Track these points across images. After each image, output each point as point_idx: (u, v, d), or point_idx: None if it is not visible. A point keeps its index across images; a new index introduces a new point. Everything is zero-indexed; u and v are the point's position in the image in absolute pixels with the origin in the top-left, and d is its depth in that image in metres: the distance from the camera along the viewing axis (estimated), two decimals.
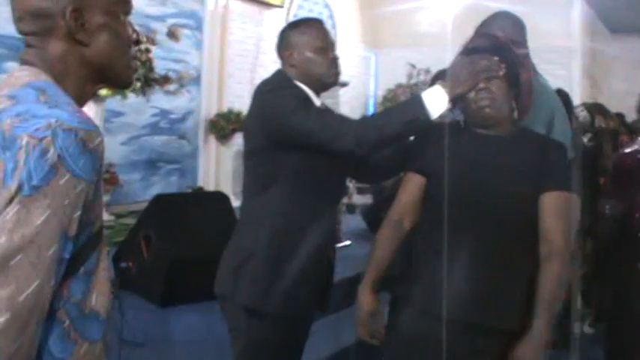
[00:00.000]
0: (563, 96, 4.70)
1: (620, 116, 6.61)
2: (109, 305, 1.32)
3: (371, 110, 10.38)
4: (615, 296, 3.68)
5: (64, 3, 1.29)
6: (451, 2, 8.44)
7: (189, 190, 6.62)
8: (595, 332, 5.09)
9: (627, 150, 3.97)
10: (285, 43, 2.82)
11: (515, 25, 3.28)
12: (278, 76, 2.80)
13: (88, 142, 1.19)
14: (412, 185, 2.50)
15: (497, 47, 2.45)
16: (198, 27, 7.26)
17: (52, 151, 1.14)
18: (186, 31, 7.11)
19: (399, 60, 10.02)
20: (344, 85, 9.02)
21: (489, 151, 2.40)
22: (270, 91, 2.72)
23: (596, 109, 6.58)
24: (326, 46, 2.80)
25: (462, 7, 8.61)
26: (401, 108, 2.62)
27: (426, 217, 2.41)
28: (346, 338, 4.10)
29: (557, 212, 2.34)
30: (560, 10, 9.44)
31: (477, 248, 2.30)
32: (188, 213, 4.40)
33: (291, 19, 8.46)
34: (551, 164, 2.41)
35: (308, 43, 2.78)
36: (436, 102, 2.46)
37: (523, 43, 3.07)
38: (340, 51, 7.76)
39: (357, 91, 9.87)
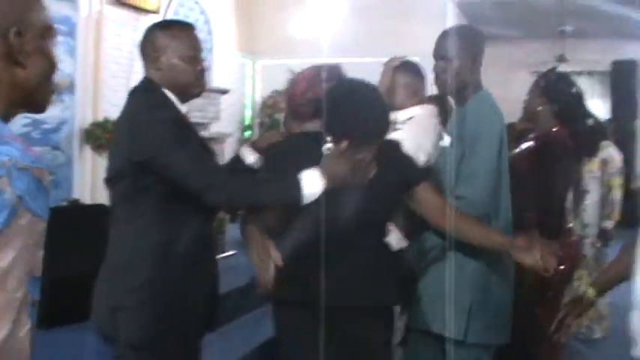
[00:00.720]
0: (441, 101, 4.81)
1: None
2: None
3: (247, 117, 10.34)
4: None
5: (8, 23, 1.28)
6: (327, 11, 8.49)
7: (65, 203, 6.39)
8: None
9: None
10: (153, 44, 2.71)
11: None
12: (147, 85, 2.71)
13: (42, 180, 1.20)
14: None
15: None
16: (71, 33, 7.03)
17: (9, 191, 1.12)
18: (59, 38, 6.87)
19: (277, 68, 10.02)
20: (224, 92, 8.94)
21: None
22: (142, 113, 2.59)
23: None
24: (196, 55, 2.73)
25: (340, 17, 8.70)
26: (279, 185, 2.61)
27: (298, 225, 2.64)
28: (239, 349, 4.04)
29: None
30: (435, 18, 9.65)
31: (351, 246, 2.72)
32: (63, 230, 4.23)
33: None
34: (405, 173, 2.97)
35: (178, 49, 2.68)
36: (312, 189, 2.53)
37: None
38: (217, 58, 7.70)
39: (235, 98, 9.81)
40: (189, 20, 8.69)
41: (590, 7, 10.27)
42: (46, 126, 6.78)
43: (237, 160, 3.14)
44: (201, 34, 8.78)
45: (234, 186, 2.56)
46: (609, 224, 5.83)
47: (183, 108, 2.74)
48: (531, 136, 3.97)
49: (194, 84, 2.74)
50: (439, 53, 3.46)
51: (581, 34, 11.52)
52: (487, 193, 3.28)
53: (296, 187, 2.50)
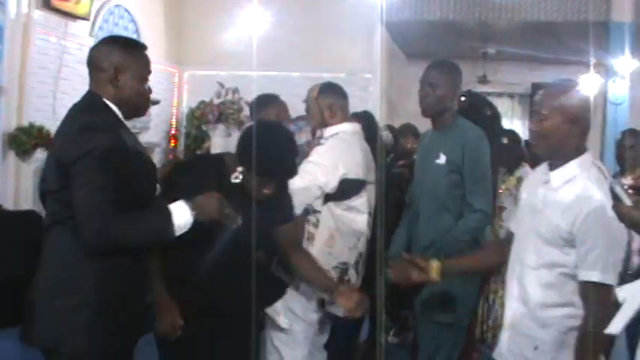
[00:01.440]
0: (367, 117, 5.01)
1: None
2: None
3: (175, 127, 10.32)
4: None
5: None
6: (257, 25, 8.57)
7: None
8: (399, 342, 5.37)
9: None
10: (110, 59, 2.73)
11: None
12: (94, 103, 2.74)
13: None
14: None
15: None
16: None
17: None
18: None
19: (205, 78, 10.06)
20: (155, 103, 8.93)
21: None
22: (80, 136, 2.60)
23: (408, 130, 6.90)
24: (148, 77, 2.84)
25: (269, 31, 8.78)
26: (152, 221, 2.71)
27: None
28: None
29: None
30: (363, 37, 9.85)
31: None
32: None
33: (97, 31, 8.29)
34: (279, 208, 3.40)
35: (137, 71, 2.76)
36: (182, 222, 2.67)
37: None
38: None
39: (162, 107, 9.80)
40: (119, 28, 8.72)
41: (512, 31, 10.61)
42: None
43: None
44: None
45: (109, 226, 2.55)
46: None
47: (127, 124, 2.84)
48: None
49: (144, 106, 2.87)
50: (427, 80, 3.98)
51: (502, 56, 11.85)
52: (491, 206, 3.97)
53: (167, 220, 2.63)
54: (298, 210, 3.71)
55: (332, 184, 3.79)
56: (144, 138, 8.79)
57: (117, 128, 2.70)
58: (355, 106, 6.05)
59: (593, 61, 9.32)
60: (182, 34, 10.36)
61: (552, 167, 2.78)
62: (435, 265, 3.15)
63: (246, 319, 3.17)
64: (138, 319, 2.83)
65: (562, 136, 2.73)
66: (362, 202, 3.98)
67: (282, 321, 3.78)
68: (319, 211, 3.87)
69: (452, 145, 3.83)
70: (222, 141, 9.31)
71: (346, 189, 3.87)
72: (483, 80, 12.04)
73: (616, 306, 2.24)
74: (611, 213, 2.40)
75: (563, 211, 2.67)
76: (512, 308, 2.87)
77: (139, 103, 2.82)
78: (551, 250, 2.70)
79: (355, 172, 3.91)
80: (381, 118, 9.13)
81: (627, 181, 2.13)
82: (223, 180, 3.12)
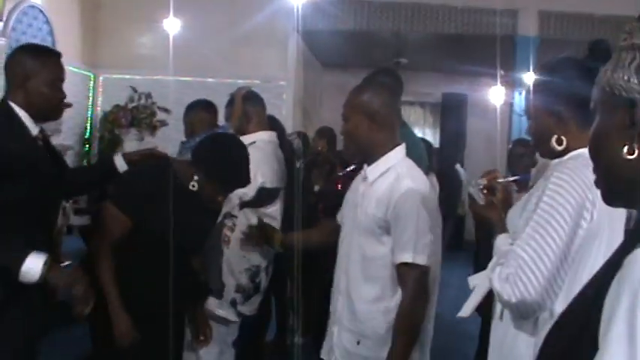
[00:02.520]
0: (277, 124, 5.15)
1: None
2: None
3: (88, 131, 10.25)
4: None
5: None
6: (173, 30, 8.59)
7: None
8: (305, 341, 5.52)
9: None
10: (20, 66, 2.87)
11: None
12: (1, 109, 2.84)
13: None
14: (118, 224, 3.14)
15: None
16: None
17: None
18: None
19: (120, 82, 10.01)
20: (68, 106, 8.84)
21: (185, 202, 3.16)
22: None
23: (324, 134, 6.98)
24: (60, 83, 2.94)
25: (186, 37, 8.82)
26: (5, 254, 2.64)
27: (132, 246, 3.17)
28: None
29: None
30: (278, 45, 9.95)
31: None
32: None
33: (9, 32, 8.18)
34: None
35: (46, 77, 2.85)
36: (30, 273, 2.57)
37: None
38: None
39: (76, 110, 9.72)
40: (32, 29, 8.62)
41: (424, 43, 10.90)
42: None
43: (102, 164, 3.63)
44: (44, 44, 8.68)
45: None
46: None
47: (35, 128, 2.90)
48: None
49: (56, 110, 2.97)
50: None
51: (414, 66, 12.13)
52: None
53: (16, 261, 2.55)
54: (219, 217, 3.84)
55: (250, 193, 3.90)
56: (56, 140, 8.71)
57: (17, 133, 2.80)
58: (269, 112, 6.18)
59: (500, 73, 9.65)
60: (98, 38, 10.27)
61: (369, 163, 2.97)
62: (277, 236, 3.67)
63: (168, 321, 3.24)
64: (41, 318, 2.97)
65: (365, 133, 2.91)
66: (276, 209, 4.12)
67: None
68: (236, 216, 3.97)
69: None
70: (134, 145, 9.26)
71: (263, 197, 3.99)
72: None
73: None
74: (420, 198, 2.76)
75: (377, 201, 2.85)
76: (339, 302, 3.01)
77: (49, 107, 2.91)
78: (370, 241, 2.88)
79: (272, 180, 4.04)
80: (294, 125, 9.28)
81: (482, 181, 2.32)
82: (176, 186, 3.17)
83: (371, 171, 2.94)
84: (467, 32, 9.91)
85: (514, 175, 3.63)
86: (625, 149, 1.12)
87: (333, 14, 9.78)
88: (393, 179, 2.85)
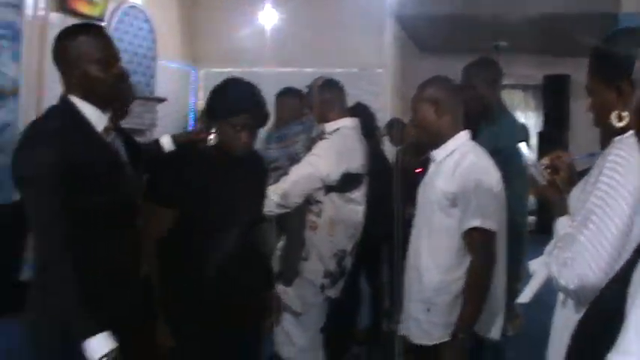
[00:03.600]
0: (363, 111, 5.16)
1: None
2: None
3: (191, 125, 10.49)
4: None
5: None
6: (270, 22, 8.69)
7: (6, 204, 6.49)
8: None
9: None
10: (61, 56, 2.59)
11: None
12: (59, 107, 2.59)
13: None
14: (159, 218, 2.95)
15: None
16: (15, 38, 7.14)
17: None
18: (3, 42, 6.99)
19: (219, 75, 10.15)
20: (161, 100, 9.09)
21: (231, 177, 3.05)
22: (29, 146, 2.47)
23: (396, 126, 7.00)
24: (108, 58, 2.58)
25: (282, 28, 8.90)
26: (75, 313, 2.43)
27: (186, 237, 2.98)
28: None
29: None
30: (374, 32, 9.93)
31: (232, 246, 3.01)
32: (11, 225, 4.38)
33: (112, 32, 8.47)
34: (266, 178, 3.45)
35: (87, 59, 2.53)
36: (94, 349, 2.39)
37: None
38: (161, 66, 7.93)
39: (177, 106, 9.97)
40: (133, 29, 8.88)
41: (523, 24, 10.67)
42: None
43: (155, 144, 3.41)
44: (145, 42, 8.96)
45: (57, 274, 2.42)
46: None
47: (102, 120, 2.62)
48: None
49: (112, 91, 2.61)
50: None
51: (514, 49, 11.91)
52: None
53: (85, 332, 2.39)
54: (299, 199, 3.96)
55: (333, 177, 3.96)
56: (157, 135, 8.95)
57: (61, 136, 2.46)
58: (367, 100, 6.21)
59: None
60: (196, 33, 10.50)
61: (435, 147, 3.22)
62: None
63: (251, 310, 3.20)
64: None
65: (431, 120, 3.18)
66: (360, 194, 4.17)
67: (297, 306, 4.02)
68: (321, 202, 4.04)
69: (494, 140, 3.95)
70: None
71: (347, 182, 4.05)
72: None
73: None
74: (483, 169, 3.03)
75: (444, 176, 3.10)
76: (409, 276, 3.24)
77: (102, 87, 2.56)
78: (438, 215, 3.11)
79: (356, 166, 4.10)
80: (392, 112, 9.26)
81: (545, 161, 2.28)
82: (203, 162, 3.05)
83: (438, 153, 3.21)
84: (566, 11, 9.66)
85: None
86: None
87: None
88: (458, 157, 3.10)
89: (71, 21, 7.83)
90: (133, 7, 8.95)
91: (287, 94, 4.90)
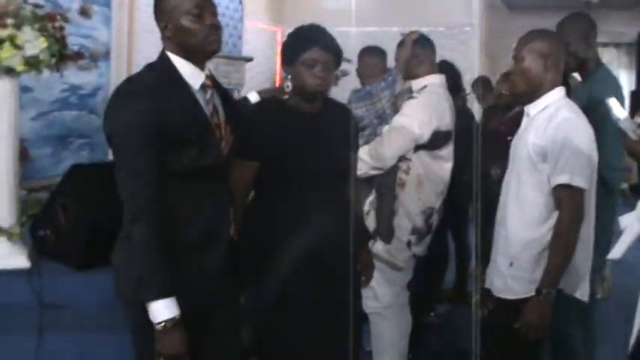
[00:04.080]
0: (449, 68, 5.11)
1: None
2: None
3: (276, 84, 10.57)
4: None
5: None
6: None
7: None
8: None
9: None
10: (158, 12, 2.56)
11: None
12: (157, 61, 2.56)
13: None
14: (247, 171, 2.91)
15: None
16: (106, 3, 7.30)
17: None
18: (94, 6, 7.14)
19: None
20: (249, 60, 9.18)
21: (313, 126, 2.99)
22: (120, 103, 2.43)
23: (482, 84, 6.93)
24: (201, 11, 2.50)
25: None
26: (147, 274, 2.36)
27: (268, 194, 2.98)
28: None
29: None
30: None
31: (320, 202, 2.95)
32: (104, 182, 4.50)
33: None
34: (354, 131, 3.20)
35: (180, 10, 2.47)
36: (158, 309, 2.34)
37: None
38: (248, 27, 8.00)
39: (263, 66, 10.04)
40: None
41: None
42: (82, 92, 7.11)
43: (243, 100, 3.49)
44: (232, 3, 9.02)
45: (143, 229, 2.35)
46: (626, 186, 6.11)
47: (199, 77, 2.56)
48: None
49: (205, 41, 2.50)
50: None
51: (606, 5, 11.59)
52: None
53: (152, 293, 2.34)
54: (393, 160, 3.96)
55: (426, 136, 3.95)
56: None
57: (153, 92, 2.40)
58: (455, 59, 6.14)
59: None
60: None
61: (529, 102, 3.18)
62: None
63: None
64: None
65: (537, 72, 3.11)
66: (448, 151, 4.14)
67: (398, 260, 4.06)
68: (410, 159, 4.02)
69: (588, 96, 3.81)
70: None
71: (436, 140, 4.02)
72: None
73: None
74: (575, 125, 2.94)
75: (536, 130, 3.05)
76: (497, 231, 3.25)
77: (196, 40, 2.49)
78: (527, 168, 3.07)
79: (445, 124, 4.06)
80: (481, 70, 9.15)
81: (638, 119, 2.26)
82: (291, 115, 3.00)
83: (533, 107, 3.16)
84: None
85: None
86: None
87: None
88: (552, 111, 3.05)
89: None
90: None
91: (370, 52, 4.83)
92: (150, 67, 2.56)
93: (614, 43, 13.20)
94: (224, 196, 2.63)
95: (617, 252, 2.38)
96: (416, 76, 4.16)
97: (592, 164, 3.07)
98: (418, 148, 4.00)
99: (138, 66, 6.64)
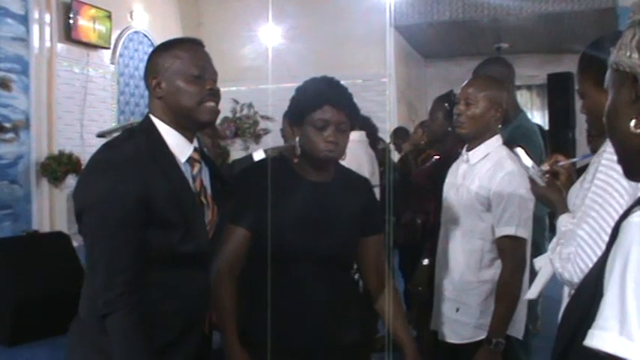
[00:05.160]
0: (369, 124, 5.23)
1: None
2: None
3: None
4: None
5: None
6: (269, 35, 8.78)
7: (24, 234, 6.61)
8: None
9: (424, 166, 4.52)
10: (151, 68, 2.24)
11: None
12: (141, 127, 2.22)
13: None
14: (239, 239, 2.49)
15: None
16: (25, 71, 7.30)
17: None
18: (12, 76, 7.13)
19: (224, 95, 10.27)
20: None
21: (319, 199, 2.54)
22: (101, 171, 2.06)
23: (400, 134, 7.10)
24: (202, 73, 2.19)
25: (283, 42, 9.00)
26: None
27: (255, 266, 2.44)
28: None
29: (380, 251, 2.67)
30: (376, 42, 10.01)
31: (313, 287, 2.48)
32: (28, 254, 4.49)
33: (118, 58, 8.61)
34: (372, 208, 2.71)
35: (179, 69, 2.18)
36: None
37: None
38: None
39: None
40: (139, 54, 9.00)
41: (523, 25, 10.76)
42: (3, 161, 7.07)
43: (249, 159, 3.32)
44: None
45: (120, 327, 2.01)
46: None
47: (186, 148, 2.23)
48: (436, 156, 4.44)
49: (199, 108, 2.17)
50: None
51: (516, 50, 11.99)
52: None
53: None
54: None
55: None
56: None
57: (137, 164, 2.06)
58: (373, 110, 6.29)
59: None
60: None
61: (469, 149, 3.17)
62: None
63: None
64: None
65: (488, 118, 3.11)
66: None
67: None
68: None
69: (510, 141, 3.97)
70: (240, 155, 9.54)
71: None
72: None
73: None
74: (520, 178, 2.88)
75: (480, 180, 3.06)
76: (440, 275, 3.25)
77: (187, 107, 2.17)
78: (471, 217, 3.10)
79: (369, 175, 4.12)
80: (399, 120, 9.34)
81: (545, 167, 2.38)
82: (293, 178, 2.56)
83: (473, 154, 3.16)
84: (564, 9, 9.74)
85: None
86: (632, 123, 1.18)
87: (427, 7, 9.80)
88: (495, 161, 3.08)
89: (77, 51, 8.02)
90: (137, 32, 9.08)
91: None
92: (131, 134, 2.18)
93: (526, 85, 13.62)
94: (202, 288, 2.25)
95: (533, 292, 2.48)
96: None
97: (532, 214, 3.15)
98: None
99: (59, 133, 6.60)
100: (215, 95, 2.20)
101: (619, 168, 2.02)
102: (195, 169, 2.24)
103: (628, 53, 1.18)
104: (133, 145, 2.10)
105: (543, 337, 5.44)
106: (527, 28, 11.01)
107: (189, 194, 2.18)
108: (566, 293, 2.32)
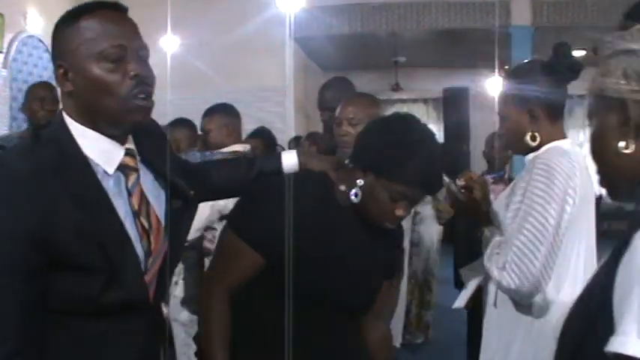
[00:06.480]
0: (266, 134, 5.24)
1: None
2: None
3: None
4: None
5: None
6: (168, 44, 8.71)
7: None
8: None
9: None
10: (56, 51, 1.66)
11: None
12: (50, 131, 1.66)
13: None
14: (247, 264, 2.08)
15: None
16: None
17: None
18: None
19: None
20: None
21: (359, 243, 2.19)
22: None
23: (315, 137, 7.05)
24: (122, 54, 1.61)
25: (178, 48, 8.94)
26: None
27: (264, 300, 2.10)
28: None
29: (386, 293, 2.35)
30: (276, 53, 10.04)
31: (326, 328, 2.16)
32: None
33: (10, 63, 8.38)
34: (398, 255, 2.48)
35: (89, 51, 1.59)
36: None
37: None
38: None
39: None
40: (33, 58, 8.78)
41: (420, 40, 10.99)
42: None
43: (276, 159, 2.37)
44: (45, 72, 8.83)
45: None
46: None
47: (115, 153, 1.68)
48: None
49: (125, 104, 1.62)
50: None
51: (413, 64, 12.23)
52: None
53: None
54: (197, 233, 3.82)
55: (230, 206, 3.79)
56: None
57: (34, 184, 1.50)
58: (271, 121, 6.30)
59: (497, 64, 9.72)
60: None
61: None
62: None
63: None
64: None
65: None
66: None
67: None
68: (215, 229, 3.89)
69: None
70: None
71: None
72: (396, 88, 12.45)
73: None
74: None
75: None
76: None
77: (108, 103, 1.61)
78: None
79: None
80: (297, 131, 9.39)
81: (460, 182, 2.48)
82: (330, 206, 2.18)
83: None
84: (461, 26, 9.99)
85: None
86: (622, 145, 1.27)
87: (326, 19, 9.89)
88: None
89: None
90: (31, 36, 8.86)
91: (178, 123, 4.90)
92: (34, 139, 1.66)
93: (423, 99, 13.91)
94: (140, 345, 1.72)
95: (461, 301, 2.61)
96: (225, 145, 4.16)
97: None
98: (224, 217, 3.83)
99: None
100: (143, 83, 1.64)
101: (550, 182, 2.19)
102: (131, 180, 1.69)
103: (615, 80, 1.28)
104: (31, 160, 1.53)
105: (435, 346, 5.61)
106: (424, 43, 11.26)
107: (114, 222, 1.61)
108: (490, 302, 2.45)
